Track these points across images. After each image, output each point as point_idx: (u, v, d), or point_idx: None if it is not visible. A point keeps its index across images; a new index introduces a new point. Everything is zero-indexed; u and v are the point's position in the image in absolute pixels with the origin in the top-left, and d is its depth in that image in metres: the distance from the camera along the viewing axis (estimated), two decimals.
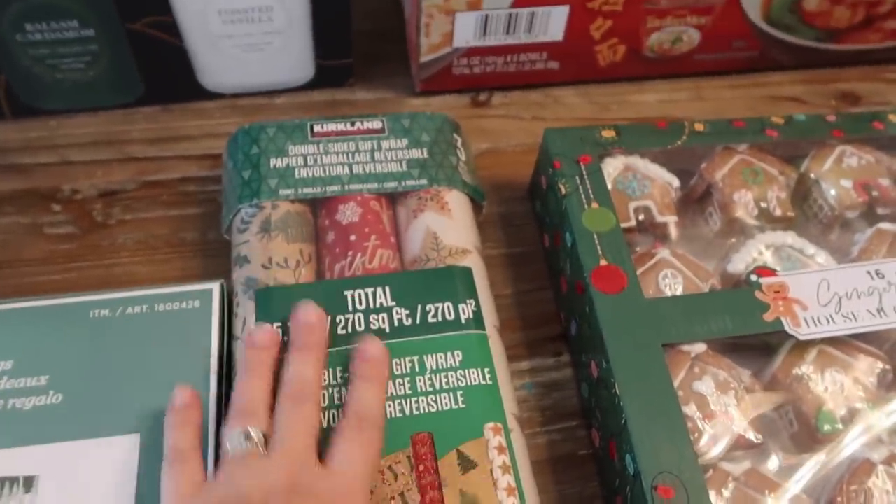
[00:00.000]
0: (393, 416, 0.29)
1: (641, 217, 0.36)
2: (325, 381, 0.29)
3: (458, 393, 0.29)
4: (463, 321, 0.31)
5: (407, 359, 0.30)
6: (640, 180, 0.37)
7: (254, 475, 0.25)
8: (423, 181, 0.36)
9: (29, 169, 0.41)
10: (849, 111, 0.48)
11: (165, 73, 0.42)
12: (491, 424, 0.29)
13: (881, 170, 0.38)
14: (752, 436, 0.30)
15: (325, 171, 0.36)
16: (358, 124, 0.38)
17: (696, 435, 0.29)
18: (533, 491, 0.29)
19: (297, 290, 0.32)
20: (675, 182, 0.37)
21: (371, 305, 0.31)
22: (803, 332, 0.31)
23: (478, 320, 0.32)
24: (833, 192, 0.38)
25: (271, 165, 0.36)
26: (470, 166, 0.38)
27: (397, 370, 0.30)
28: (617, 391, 0.30)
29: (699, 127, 0.39)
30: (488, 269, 0.36)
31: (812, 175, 0.38)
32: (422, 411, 0.29)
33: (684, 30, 0.45)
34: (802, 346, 0.32)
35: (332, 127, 0.37)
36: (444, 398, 0.29)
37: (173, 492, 0.26)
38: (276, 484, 0.25)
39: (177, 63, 0.42)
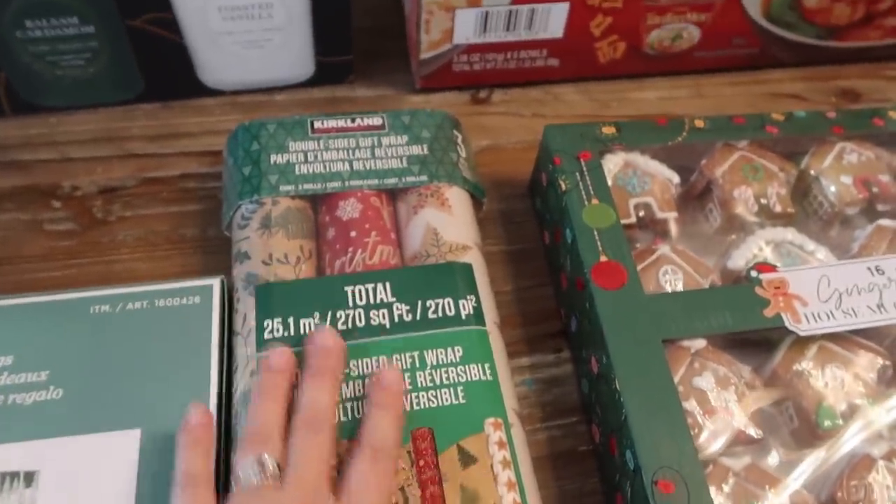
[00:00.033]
0: None
1: (642, 213, 0.36)
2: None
3: (459, 388, 0.29)
4: (463, 317, 0.31)
5: (407, 354, 0.30)
6: (641, 177, 0.37)
7: None
8: (424, 177, 0.36)
9: (29, 166, 0.41)
10: (849, 108, 0.48)
11: (165, 70, 0.42)
12: (491, 420, 0.29)
13: (881, 166, 0.38)
14: (752, 431, 0.30)
15: (325, 167, 0.36)
16: (358, 121, 0.38)
17: (697, 430, 0.29)
18: (533, 486, 0.29)
19: (298, 286, 0.32)
20: (676, 178, 0.37)
21: (371, 301, 0.31)
22: (803, 328, 0.31)
23: (478, 316, 0.32)
24: (833, 188, 0.38)
25: (272, 162, 0.36)
26: (470, 163, 0.38)
27: (397, 366, 0.30)
28: (617, 387, 0.30)
29: (699, 123, 0.39)
30: (489, 265, 0.36)
31: (812, 172, 0.38)
32: (422, 406, 0.29)
33: (684, 27, 0.45)
34: (803, 342, 0.32)
35: (332, 123, 0.37)
36: (445, 393, 0.29)
37: None
38: None
39: (177, 60, 0.42)
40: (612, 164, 0.37)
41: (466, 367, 0.30)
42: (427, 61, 0.44)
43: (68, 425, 0.28)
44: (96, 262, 0.37)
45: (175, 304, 0.32)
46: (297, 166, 0.36)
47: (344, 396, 0.29)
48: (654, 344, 0.31)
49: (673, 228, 0.37)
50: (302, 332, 0.30)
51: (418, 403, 0.29)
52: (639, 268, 0.34)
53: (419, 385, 0.29)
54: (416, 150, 0.37)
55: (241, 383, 0.30)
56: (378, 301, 0.31)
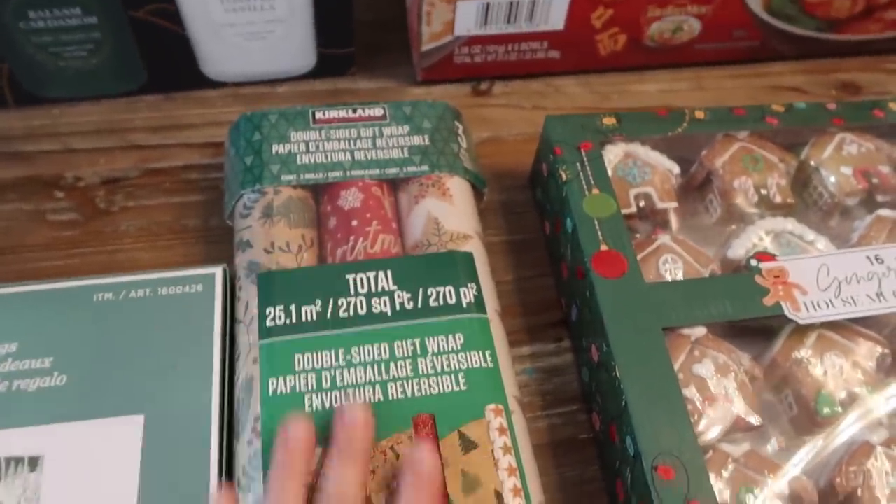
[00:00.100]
0: (395, 397, 0.29)
1: (642, 203, 0.36)
2: (331, 362, 0.29)
3: (460, 375, 0.29)
4: (464, 305, 0.31)
5: (409, 341, 0.30)
6: (641, 167, 0.37)
7: None
8: (425, 167, 0.36)
9: (32, 156, 0.41)
10: (849, 100, 0.48)
11: (168, 62, 0.42)
12: (492, 406, 0.29)
13: (881, 157, 0.39)
14: (751, 418, 0.30)
15: (326, 157, 0.36)
16: (360, 111, 0.38)
17: (696, 417, 0.29)
18: (534, 471, 0.29)
19: (300, 274, 0.32)
20: (676, 169, 0.38)
21: (373, 289, 0.31)
22: (803, 317, 0.32)
23: (479, 304, 0.32)
24: (833, 179, 0.38)
25: (273, 152, 0.36)
26: (471, 154, 0.38)
27: (399, 353, 0.30)
28: (617, 374, 0.30)
29: (700, 115, 0.39)
30: (490, 256, 0.36)
31: (812, 162, 0.39)
32: (423, 393, 0.29)
33: (685, 19, 0.45)
34: (802, 331, 0.32)
35: (333, 114, 0.37)
36: (446, 380, 0.29)
37: None
38: None
39: (179, 51, 0.42)
40: (613, 154, 0.37)
41: (467, 354, 0.30)
42: (428, 53, 0.44)
43: (72, 411, 0.29)
44: (99, 251, 0.38)
45: (178, 292, 0.32)
46: (298, 156, 0.36)
47: (346, 383, 0.29)
48: (654, 332, 0.31)
49: (673, 218, 0.37)
50: (304, 319, 0.30)
51: (419, 390, 0.29)
52: (639, 257, 0.34)
53: (420, 372, 0.29)
54: (417, 140, 0.37)
55: (243, 371, 0.30)
56: (379, 289, 0.31)
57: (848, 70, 0.50)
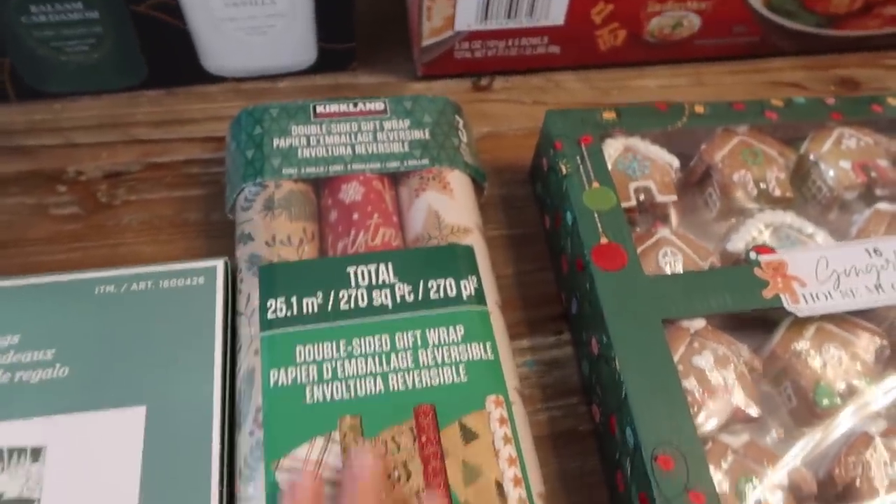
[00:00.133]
0: (396, 388, 0.29)
1: (642, 197, 0.36)
2: (328, 353, 0.30)
3: (460, 366, 0.30)
4: (465, 297, 0.32)
5: (409, 333, 0.30)
6: (641, 161, 0.37)
7: None
8: (425, 161, 0.36)
9: (34, 151, 0.41)
10: (848, 95, 0.48)
11: (169, 57, 0.42)
12: (493, 397, 0.29)
13: (880, 151, 0.39)
14: (750, 410, 0.30)
15: (327, 151, 0.36)
16: (360, 105, 0.38)
17: (696, 408, 0.30)
18: (534, 462, 0.29)
19: (301, 267, 0.32)
20: (676, 163, 0.38)
21: (374, 282, 0.32)
22: (802, 309, 0.32)
23: (479, 296, 0.32)
24: (832, 173, 0.38)
25: (274, 145, 0.36)
26: (472, 148, 0.39)
27: (400, 344, 0.30)
28: (617, 366, 0.30)
29: (699, 109, 0.39)
30: (490, 250, 0.36)
31: (811, 157, 0.39)
32: (424, 385, 0.29)
33: (685, 14, 0.45)
34: (801, 323, 0.32)
35: (334, 108, 0.38)
36: (446, 371, 0.29)
37: None
38: None
39: (181, 46, 0.42)
40: (613, 148, 0.37)
41: (468, 345, 0.30)
42: (429, 48, 0.44)
43: (74, 402, 0.29)
44: (101, 245, 0.38)
45: (179, 284, 0.32)
46: (299, 150, 0.36)
47: (347, 374, 0.29)
48: (653, 324, 0.31)
49: (673, 212, 0.37)
50: (305, 311, 0.31)
51: (420, 381, 0.29)
52: (638, 250, 0.34)
53: (421, 363, 0.30)
54: (417, 134, 0.37)
55: (244, 362, 0.30)
56: (380, 282, 0.32)
57: (847, 66, 0.50)
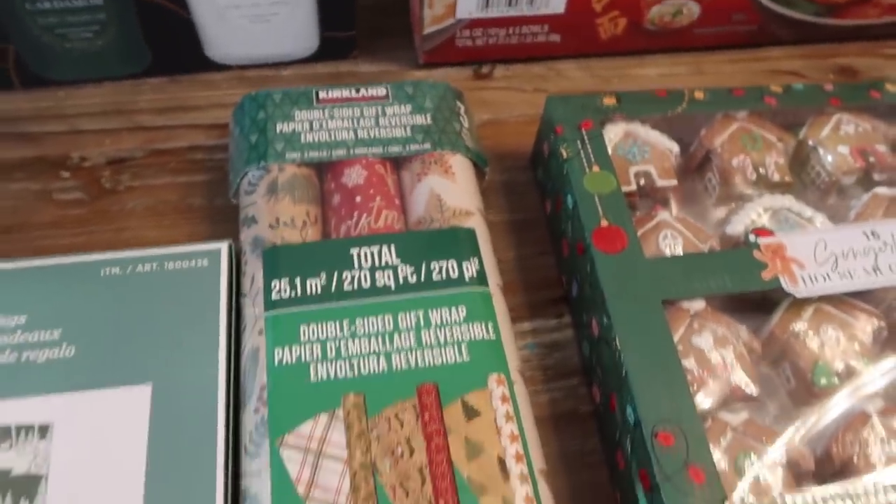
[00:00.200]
0: (399, 368, 0.29)
1: (642, 182, 0.37)
2: (330, 334, 0.30)
3: (462, 346, 0.30)
4: (467, 279, 0.32)
5: (412, 313, 0.31)
6: (641, 146, 0.37)
7: None
8: (427, 146, 0.36)
9: (38, 137, 0.41)
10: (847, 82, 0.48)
11: (173, 45, 0.43)
12: (494, 376, 0.29)
13: (878, 137, 0.39)
14: (748, 388, 0.30)
15: (330, 135, 0.36)
16: (362, 91, 0.38)
17: (696, 386, 0.30)
18: (535, 440, 0.29)
19: (304, 249, 0.32)
20: (675, 148, 0.38)
21: (377, 263, 0.32)
22: (800, 290, 0.32)
23: (481, 278, 0.32)
24: (830, 158, 0.38)
25: (278, 130, 0.36)
26: (473, 133, 0.39)
27: (403, 324, 0.30)
28: (618, 345, 0.30)
29: (699, 95, 0.39)
30: (491, 234, 0.36)
31: (810, 142, 0.39)
32: (427, 364, 0.29)
33: (684, 2, 0.45)
34: (799, 304, 0.33)
35: (336, 94, 0.38)
36: (449, 351, 0.30)
37: None
38: None
39: (184, 34, 0.42)
40: (613, 133, 0.38)
41: (470, 325, 0.30)
42: (430, 36, 0.44)
43: (81, 380, 0.29)
44: (105, 230, 0.38)
45: (184, 266, 0.33)
46: (302, 135, 0.36)
47: (351, 353, 0.29)
48: (654, 305, 0.31)
49: (672, 197, 0.37)
50: (309, 292, 0.31)
51: (423, 360, 0.30)
52: (639, 233, 0.34)
53: (424, 343, 0.30)
54: (419, 119, 0.37)
55: (249, 342, 0.30)
56: (383, 263, 0.32)
57: (846, 55, 0.50)
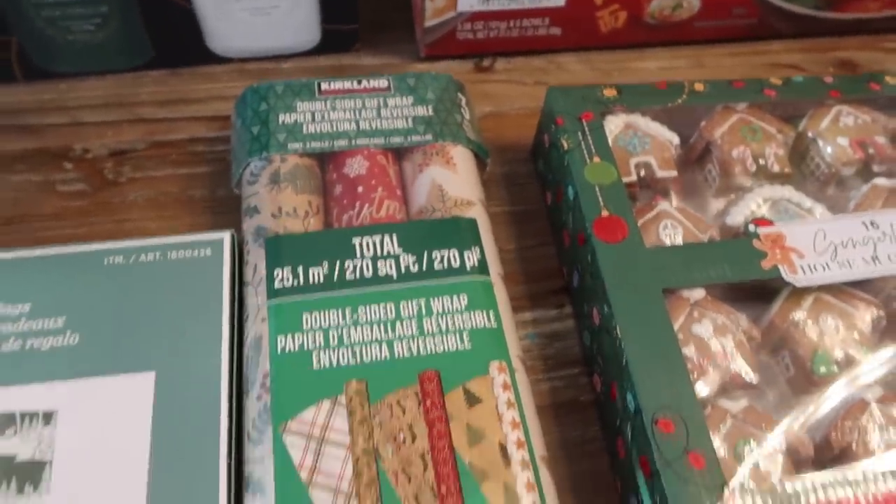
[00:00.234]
0: (401, 355, 0.29)
1: (642, 173, 0.37)
2: (332, 322, 0.30)
3: (464, 334, 0.30)
4: (468, 268, 0.32)
5: (414, 301, 0.31)
6: (641, 137, 0.38)
7: None
8: (429, 137, 0.37)
9: (40, 129, 0.41)
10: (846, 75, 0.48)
11: (174, 37, 0.43)
12: (496, 363, 0.30)
13: (877, 129, 0.39)
14: (748, 376, 0.30)
15: (332, 126, 0.36)
16: (364, 83, 0.38)
17: (696, 374, 0.30)
18: (537, 427, 0.29)
19: (307, 238, 0.33)
20: (676, 140, 0.38)
21: (379, 252, 0.32)
22: (800, 279, 0.32)
23: (483, 267, 0.32)
24: (830, 149, 0.38)
25: (280, 121, 0.36)
26: (474, 125, 0.39)
27: (404, 313, 0.30)
28: (618, 334, 0.30)
29: (699, 87, 0.40)
30: (492, 225, 0.36)
31: (809, 133, 0.39)
32: (429, 351, 0.30)
33: None
34: (799, 294, 0.33)
35: (338, 85, 0.38)
36: (450, 339, 0.30)
37: None
38: None
39: (185, 27, 0.42)
40: (613, 125, 0.38)
41: (471, 313, 0.31)
42: (431, 29, 0.45)
43: (85, 368, 0.29)
44: (107, 221, 0.38)
45: (187, 256, 0.33)
46: (304, 125, 0.36)
47: (353, 341, 0.30)
48: (654, 294, 0.31)
49: (673, 188, 0.37)
50: (311, 281, 0.31)
51: (425, 348, 0.30)
52: (639, 223, 0.34)
53: (425, 331, 0.30)
54: (421, 111, 0.38)
55: (251, 330, 0.31)
56: (385, 252, 0.32)
57: (846, 48, 0.51)
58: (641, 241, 0.33)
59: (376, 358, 0.29)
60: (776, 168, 0.37)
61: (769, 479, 0.28)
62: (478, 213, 0.35)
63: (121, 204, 0.39)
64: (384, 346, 0.30)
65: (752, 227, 0.34)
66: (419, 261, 0.32)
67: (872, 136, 0.39)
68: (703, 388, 0.30)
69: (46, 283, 0.32)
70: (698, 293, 0.32)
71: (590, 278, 0.34)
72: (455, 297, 0.31)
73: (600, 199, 0.34)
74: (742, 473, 0.27)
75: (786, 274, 0.32)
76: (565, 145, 0.36)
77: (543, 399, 0.34)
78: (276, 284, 0.31)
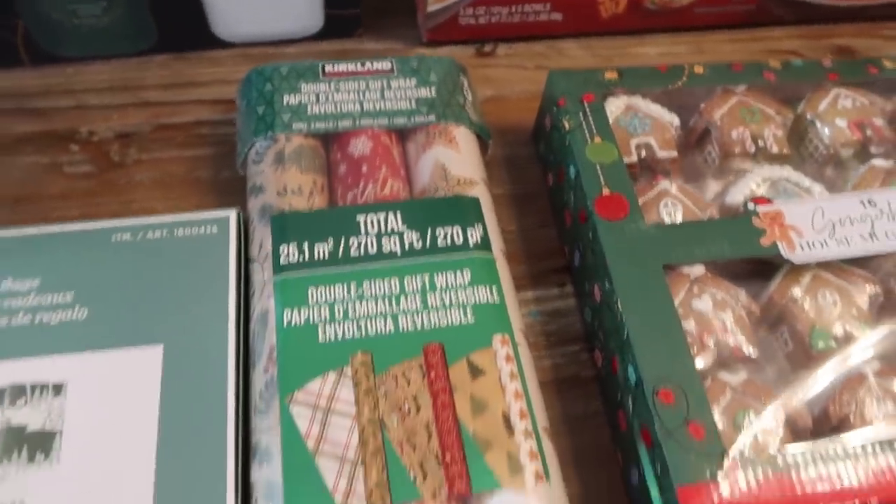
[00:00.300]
0: (405, 329, 0.30)
1: (643, 153, 0.37)
2: (338, 295, 0.31)
3: (467, 308, 0.31)
4: (471, 244, 0.32)
5: (418, 276, 0.31)
6: (642, 119, 0.38)
7: None
8: (432, 118, 0.37)
9: (47, 112, 0.42)
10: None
11: (179, 22, 0.43)
12: (499, 336, 0.30)
13: (875, 111, 0.40)
14: (747, 349, 0.31)
15: (336, 107, 0.37)
16: (368, 65, 0.39)
17: (695, 348, 0.31)
18: (539, 399, 0.30)
19: (312, 216, 0.33)
20: (676, 121, 0.39)
21: (383, 229, 0.33)
22: (798, 256, 0.33)
23: (485, 243, 0.33)
24: (828, 131, 0.39)
25: (284, 102, 0.37)
26: (476, 107, 0.40)
27: (409, 287, 0.31)
28: (619, 308, 0.31)
29: (699, 70, 0.40)
30: (493, 206, 0.37)
31: (808, 115, 0.40)
32: (433, 325, 0.30)
33: None
34: (798, 270, 0.33)
35: (342, 67, 0.38)
36: (454, 313, 0.30)
37: None
38: None
39: (190, 12, 0.43)
40: (614, 107, 0.38)
41: (474, 288, 0.31)
42: (433, 14, 0.45)
43: (94, 341, 0.30)
44: (114, 202, 0.39)
45: (193, 233, 0.33)
46: (309, 106, 0.37)
47: (358, 315, 0.30)
48: (655, 269, 0.32)
49: (673, 171, 0.38)
50: (316, 257, 0.31)
51: (429, 322, 0.30)
52: (640, 202, 0.35)
53: (429, 305, 0.31)
54: (424, 92, 0.38)
55: (258, 305, 0.31)
56: (389, 229, 0.33)
57: (844, 35, 0.51)
58: (642, 218, 0.33)
59: (381, 331, 0.30)
60: (775, 149, 0.38)
61: (768, 448, 0.28)
62: (480, 192, 0.35)
63: (127, 185, 0.39)
64: (389, 319, 0.30)
65: (751, 206, 0.34)
66: (423, 237, 0.32)
67: (870, 118, 0.39)
68: (702, 362, 0.30)
69: (55, 260, 0.32)
70: (698, 269, 0.33)
71: (591, 256, 0.34)
72: (458, 273, 0.31)
73: (601, 177, 0.35)
74: (741, 443, 0.28)
75: (784, 251, 0.33)
76: (567, 125, 0.37)
77: (545, 375, 0.34)
78: (282, 260, 0.31)
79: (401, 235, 0.32)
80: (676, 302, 0.32)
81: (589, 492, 0.31)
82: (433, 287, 0.31)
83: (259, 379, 0.29)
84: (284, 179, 0.34)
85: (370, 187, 0.34)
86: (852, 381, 0.31)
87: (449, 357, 0.29)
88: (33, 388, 0.28)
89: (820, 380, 0.31)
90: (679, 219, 0.35)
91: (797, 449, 0.28)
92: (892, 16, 0.52)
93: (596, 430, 0.33)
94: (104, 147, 0.41)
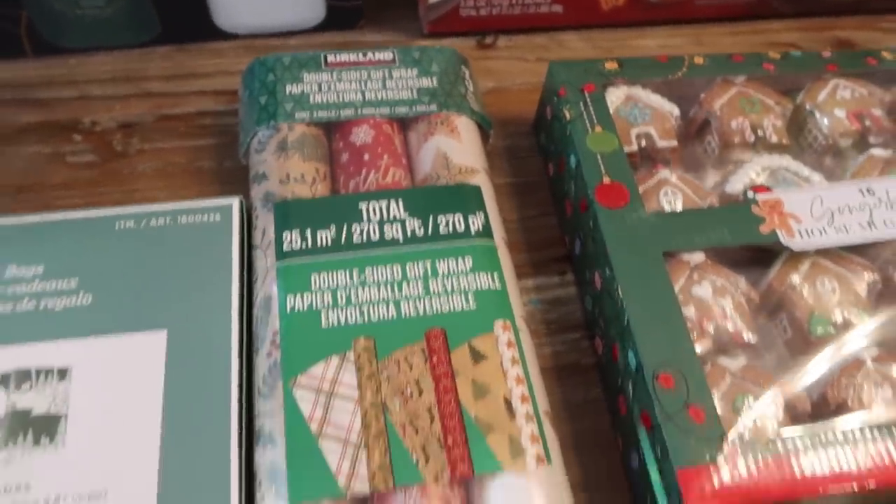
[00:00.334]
0: (408, 315, 0.30)
1: (643, 143, 0.38)
2: (341, 281, 0.31)
3: (469, 294, 0.31)
4: (473, 232, 0.33)
5: (420, 263, 0.31)
6: (642, 109, 0.38)
7: None
8: (433, 107, 0.37)
9: (50, 103, 0.42)
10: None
11: (181, 13, 0.43)
12: (500, 322, 0.30)
13: (874, 101, 0.40)
14: (746, 335, 0.31)
15: (338, 97, 0.37)
16: (370, 55, 0.39)
17: (695, 334, 0.31)
18: (540, 384, 0.30)
19: (315, 203, 0.33)
20: (676, 111, 0.39)
21: (385, 217, 0.33)
22: (797, 243, 0.33)
23: (487, 231, 0.33)
24: (827, 121, 0.39)
25: (287, 91, 0.37)
26: (477, 97, 0.40)
27: (411, 274, 0.31)
28: (620, 295, 0.31)
29: (699, 60, 0.40)
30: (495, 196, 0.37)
31: (807, 106, 0.40)
32: (435, 311, 0.30)
33: None
34: (797, 258, 0.34)
35: (344, 57, 0.39)
36: (456, 299, 0.31)
37: None
38: None
39: (193, 3, 0.43)
40: (615, 97, 0.38)
41: (476, 275, 0.31)
42: (434, 6, 0.45)
43: (98, 326, 0.30)
44: (116, 190, 0.39)
45: (196, 220, 0.33)
46: (311, 95, 0.37)
47: (361, 300, 0.30)
48: (655, 257, 0.32)
49: (673, 157, 0.38)
50: (319, 244, 0.32)
51: (431, 308, 0.30)
52: (640, 190, 0.35)
53: (431, 291, 0.31)
54: (425, 82, 0.38)
55: (261, 291, 0.31)
56: (391, 217, 0.33)
57: (844, 28, 0.51)
58: (642, 207, 0.34)
59: (383, 317, 0.30)
60: (774, 139, 0.38)
61: (767, 432, 0.28)
62: (482, 181, 0.35)
63: (130, 174, 0.40)
64: (391, 305, 0.30)
65: (750, 194, 0.35)
66: (424, 225, 0.33)
67: (869, 108, 0.39)
68: (702, 347, 0.31)
69: (59, 247, 0.32)
70: (698, 257, 0.33)
71: (592, 244, 0.34)
72: (460, 259, 0.32)
73: (602, 166, 0.35)
74: (741, 426, 0.28)
75: (783, 238, 0.33)
76: (567, 115, 0.37)
77: (546, 362, 0.34)
78: (285, 247, 0.32)
79: (403, 223, 0.33)
80: (676, 289, 0.32)
81: (589, 475, 0.31)
82: (435, 273, 0.31)
83: (262, 363, 0.29)
84: (287, 167, 0.34)
85: (372, 175, 0.34)
86: (850, 367, 0.31)
87: (451, 342, 0.30)
88: (38, 372, 0.29)
89: (818, 365, 0.31)
90: (679, 207, 0.35)
91: (796, 433, 0.28)
92: (891, 9, 0.52)
93: (596, 417, 0.33)
94: (107, 137, 0.41)
